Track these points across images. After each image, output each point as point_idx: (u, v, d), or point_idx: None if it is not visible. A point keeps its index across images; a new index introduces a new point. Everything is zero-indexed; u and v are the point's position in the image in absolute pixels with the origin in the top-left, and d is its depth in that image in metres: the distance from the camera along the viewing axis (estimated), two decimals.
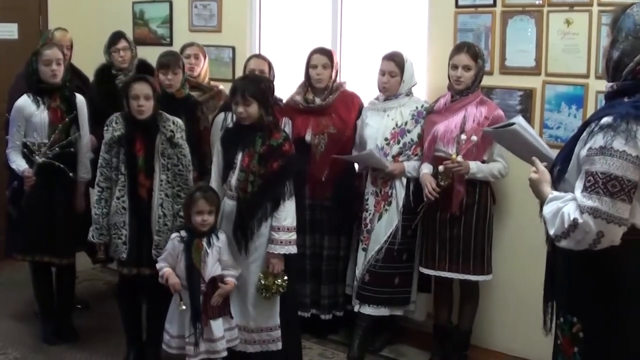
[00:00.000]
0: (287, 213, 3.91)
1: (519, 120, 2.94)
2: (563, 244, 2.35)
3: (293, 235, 3.94)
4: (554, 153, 2.91)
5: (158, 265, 3.92)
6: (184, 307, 3.82)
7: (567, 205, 2.34)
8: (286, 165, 3.91)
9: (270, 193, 3.89)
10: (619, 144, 2.24)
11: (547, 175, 2.56)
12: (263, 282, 3.92)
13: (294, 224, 3.95)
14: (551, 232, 2.38)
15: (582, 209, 2.27)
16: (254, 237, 3.93)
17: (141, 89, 4.03)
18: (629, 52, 2.37)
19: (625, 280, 2.39)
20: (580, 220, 2.26)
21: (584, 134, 2.39)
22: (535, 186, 2.57)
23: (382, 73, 4.43)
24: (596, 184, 2.26)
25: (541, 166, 2.60)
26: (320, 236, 4.74)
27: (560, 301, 2.60)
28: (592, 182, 2.27)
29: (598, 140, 2.29)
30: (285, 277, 3.94)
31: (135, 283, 4.23)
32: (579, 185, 2.34)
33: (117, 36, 4.98)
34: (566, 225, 2.30)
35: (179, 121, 4.20)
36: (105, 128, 4.14)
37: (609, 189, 2.25)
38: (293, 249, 3.95)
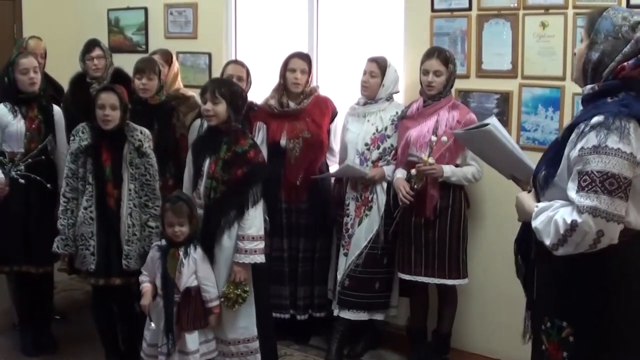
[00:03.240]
0: (252, 222, 3.87)
1: (493, 120, 2.91)
2: (561, 251, 2.33)
3: (259, 244, 3.90)
4: (527, 155, 2.92)
5: (141, 278, 3.90)
6: (152, 327, 3.82)
7: (559, 212, 2.33)
8: (250, 173, 3.88)
9: (234, 201, 3.86)
10: (613, 141, 2.24)
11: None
12: (224, 289, 3.89)
13: (260, 232, 3.92)
14: (547, 242, 2.36)
15: (580, 209, 2.26)
16: (221, 246, 3.90)
17: (107, 98, 3.98)
18: (609, 52, 2.39)
19: (616, 282, 2.38)
20: (579, 220, 2.25)
21: (573, 135, 2.38)
22: (520, 205, 2.60)
23: (364, 73, 4.45)
24: (593, 183, 2.25)
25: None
26: (296, 239, 4.73)
27: (544, 306, 2.58)
28: (589, 181, 2.26)
29: (591, 140, 2.28)
30: (247, 288, 3.90)
31: (107, 294, 4.19)
32: (572, 187, 2.33)
33: (92, 44, 4.94)
34: (562, 231, 2.29)
35: (146, 131, 4.17)
36: (72, 138, 4.10)
37: (607, 187, 2.24)
38: (259, 259, 3.91)
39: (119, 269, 4.04)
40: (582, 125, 2.35)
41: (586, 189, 2.27)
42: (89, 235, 4.04)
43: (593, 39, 2.44)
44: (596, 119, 2.30)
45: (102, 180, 4.03)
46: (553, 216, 2.35)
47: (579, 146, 2.32)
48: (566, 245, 2.31)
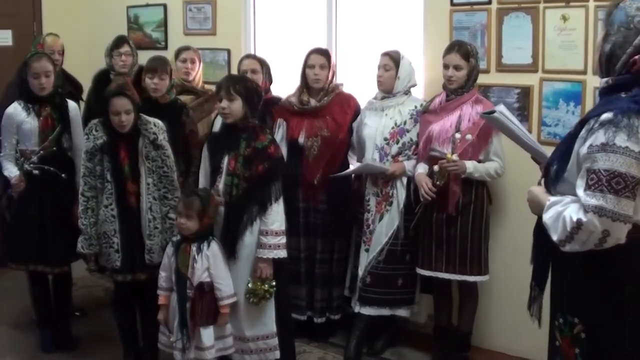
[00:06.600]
0: (275, 217, 3.87)
1: (501, 108, 2.97)
2: (567, 248, 2.31)
3: (282, 239, 3.90)
4: (548, 150, 2.89)
5: (160, 283, 3.91)
6: (172, 339, 3.85)
7: (568, 208, 2.30)
8: (271, 168, 3.87)
9: (256, 196, 3.85)
10: (621, 140, 2.21)
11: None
12: (250, 286, 3.88)
13: (283, 227, 3.91)
14: (554, 237, 2.34)
15: (586, 208, 2.23)
16: (243, 242, 3.88)
17: (121, 104, 3.96)
18: (620, 44, 2.35)
19: (628, 280, 2.35)
20: (584, 220, 2.22)
21: (583, 131, 2.35)
22: (534, 198, 2.57)
23: (378, 67, 4.43)
24: (599, 182, 2.23)
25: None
26: (314, 239, 4.69)
27: (558, 302, 2.57)
28: (595, 180, 2.24)
29: (599, 137, 2.25)
30: (274, 283, 3.90)
31: (130, 290, 4.20)
32: (580, 184, 2.30)
33: (121, 40, 4.98)
34: (569, 228, 2.26)
35: (159, 122, 4.15)
36: (86, 137, 4.09)
37: (613, 186, 2.21)
38: (282, 253, 3.91)
39: (144, 263, 4.06)
40: (592, 122, 2.32)
41: (593, 187, 2.24)
42: (111, 233, 4.04)
43: (608, 30, 2.41)
44: (605, 116, 2.26)
45: (121, 178, 4.02)
46: (562, 212, 2.32)
47: (587, 143, 2.30)
48: (573, 243, 2.29)
